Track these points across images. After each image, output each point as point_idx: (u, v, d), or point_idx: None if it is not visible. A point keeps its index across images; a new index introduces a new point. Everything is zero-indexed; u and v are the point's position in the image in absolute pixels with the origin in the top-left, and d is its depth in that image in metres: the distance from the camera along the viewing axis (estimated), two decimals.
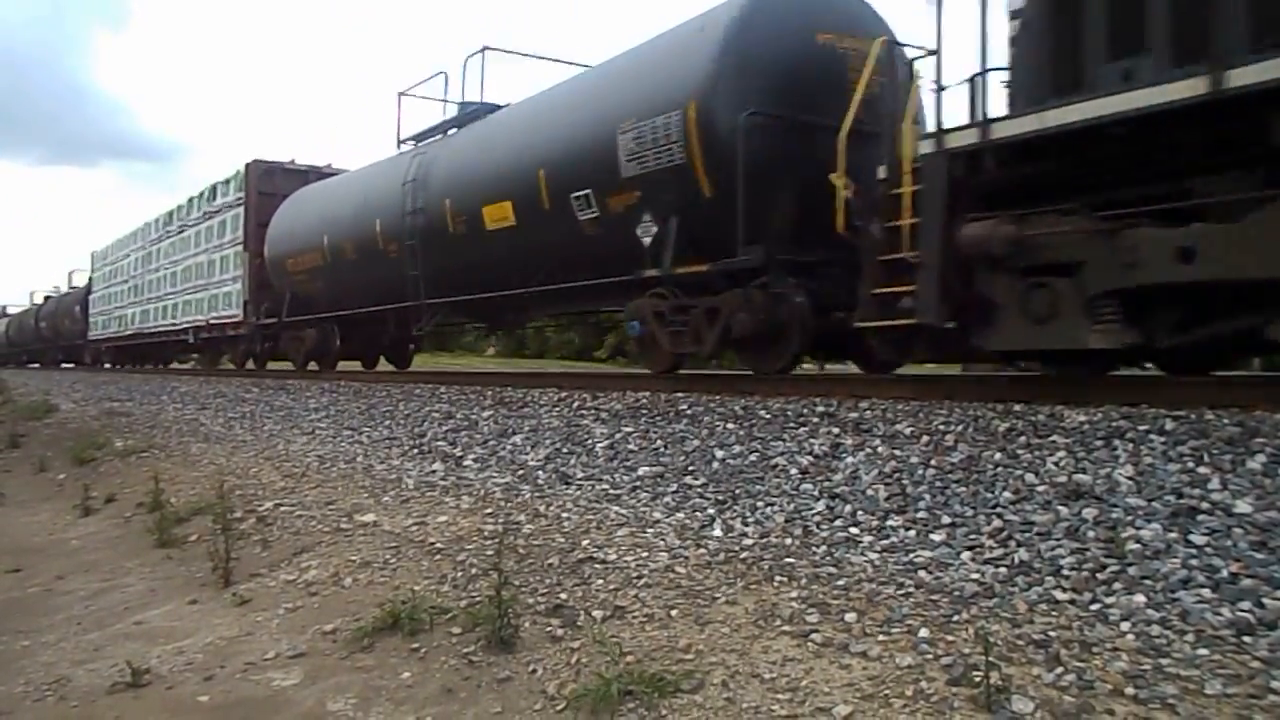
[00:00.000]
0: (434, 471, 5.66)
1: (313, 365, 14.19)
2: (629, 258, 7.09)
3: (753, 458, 4.49)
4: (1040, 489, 3.39)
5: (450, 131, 10.60)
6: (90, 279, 28.63)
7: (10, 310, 46.54)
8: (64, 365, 32.98)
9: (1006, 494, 3.44)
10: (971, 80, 4.83)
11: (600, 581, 3.37)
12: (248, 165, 15.37)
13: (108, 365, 26.70)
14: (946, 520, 3.39)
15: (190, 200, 18.51)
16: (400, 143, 11.46)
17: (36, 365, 37.74)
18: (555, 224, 7.85)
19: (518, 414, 6.70)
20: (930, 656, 2.50)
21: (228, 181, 16.28)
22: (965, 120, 4.81)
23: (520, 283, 8.66)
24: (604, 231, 7.41)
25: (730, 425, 5.11)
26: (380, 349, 14.54)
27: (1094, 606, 2.65)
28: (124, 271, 23.84)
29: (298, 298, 13.43)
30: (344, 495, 5.43)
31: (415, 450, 6.37)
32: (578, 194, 7.52)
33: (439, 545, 4.12)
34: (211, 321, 16.79)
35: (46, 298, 36.73)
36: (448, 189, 9.44)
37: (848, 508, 3.69)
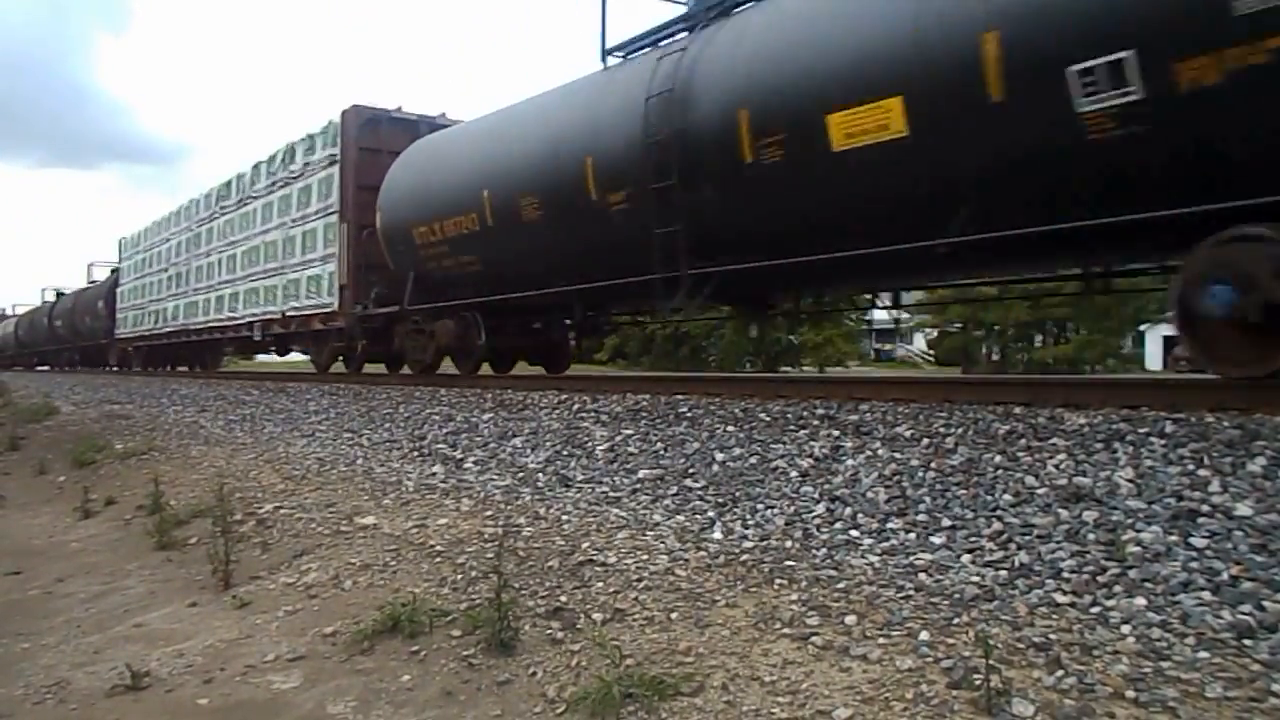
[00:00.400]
0: (434, 474, 5.66)
1: (371, 367, 12.29)
2: (1207, 171, 4.22)
3: (753, 460, 4.49)
4: (1040, 492, 3.39)
5: (681, 32, 7.22)
6: (117, 269, 25.31)
7: (13, 311, 43.67)
8: (79, 368, 29.91)
9: (1007, 497, 3.44)
10: None
11: (600, 584, 3.37)
12: (344, 113, 11.82)
13: (138, 369, 23.48)
14: (946, 523, 3.39)
15: (256, 166, 14.80)
16: (606, 54, 7.90)
17: (46, 368, 34.76)
18: (1011, 126, 4.76)
19: (518, 416, 6.71)
20: (930, 659, 2.50)
21: (314, 137, 12.60)
22: None
23: (915, 231, 5.17)
24: (1148, 126, 4.25)
25: (730, 428, 5.11)
26: (543, 345, 10.94)
27: (1094, 609, 2.65)
28: (162, 258, 20.17)
29: (428, 279, 9.92)
30: (344, 498, 5.43)
31: (415, 453, 6.37)
32: (1087, 65, 4.33)
33: (439, 548, 4.12)
34: (290, 313, 13.14)
35: (59, 294, 33.36)
36: (738, 95, 6.07)
37: (848, 510, 3.69)
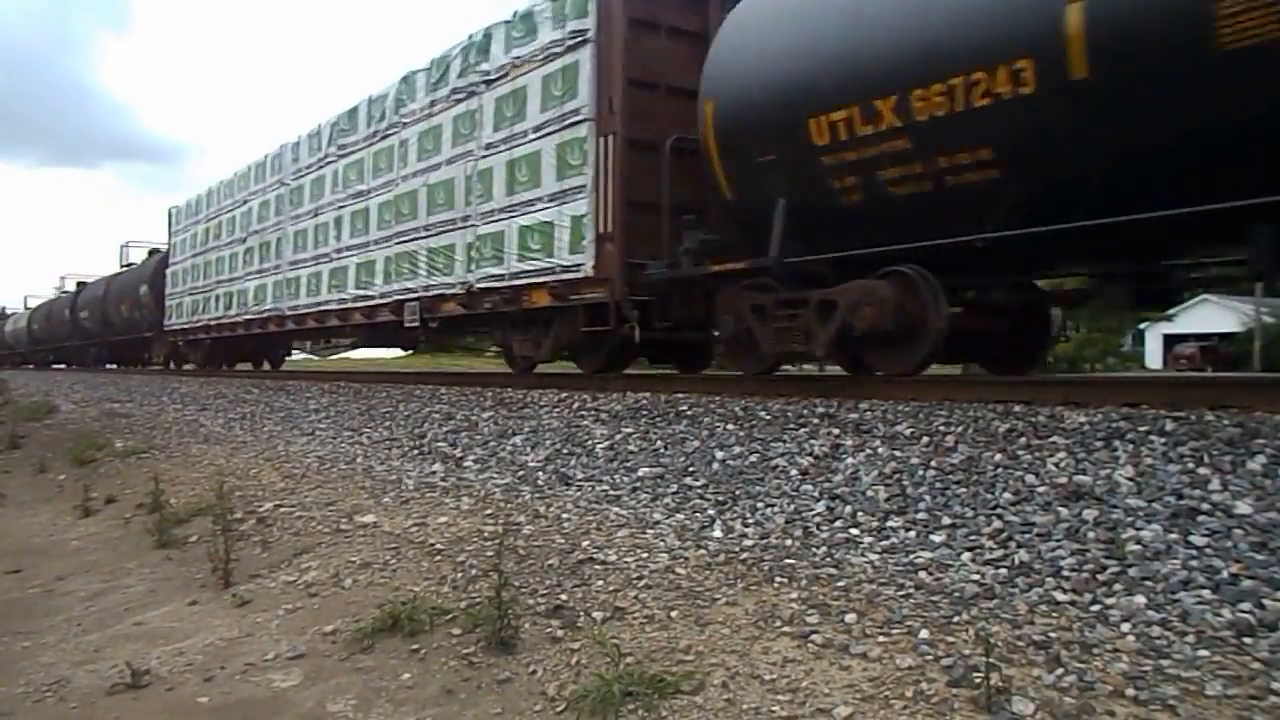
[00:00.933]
0: (434, 472, 5.67)
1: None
2: None
3: (753, 459, 4.49)
4: (1040, 490, 3.39)
5: None
6: (157, 250, 21.74)
7: (26, 307, 39.39)
8: (109, 366, 25.82)
9: (1007, 495, 3.44)
10: None
11: (600, 582, 3.37)
12: None
13: (190, 366, 19.41)
14: (947, 521, 3.39)
15: (408, 78, 10.29)
16: None
17: (63, 366, 30.40)
18: None
19: (518, 415, 6.71)
20: (930, 658, 2.50)
21: (532, 13, 8.15)
22: None
23: None
24: None
25: (730, 426, 5.11)
26: (1016, 326, 6.31)
27: (1094, 608, 2.65)
28: (236, 226, 15.87)
29: (828, 209, 5.80)
30: (344, 496, 5.43)
31: (415, 451, 6.38)
32: None
33: (439, 546, 4.12)
34: (484, 285, 8.72)
35: (80, 284, 29.09)
36: None
37: (848, 509, 3.69)
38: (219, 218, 16.95)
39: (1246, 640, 2.36)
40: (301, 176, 13.33)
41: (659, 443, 5.12)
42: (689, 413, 5.64)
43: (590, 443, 5.46)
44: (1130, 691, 2.21)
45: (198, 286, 17.85)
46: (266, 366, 19.45)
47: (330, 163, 12.34)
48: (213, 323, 17.01)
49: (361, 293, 11.31)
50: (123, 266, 26.33)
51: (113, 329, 24.10)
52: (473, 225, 8.94)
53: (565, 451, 5.44)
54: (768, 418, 5.13)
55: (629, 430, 5.51)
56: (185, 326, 18.66)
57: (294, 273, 13.41)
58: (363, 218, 11.30)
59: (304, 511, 5.24)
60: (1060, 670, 2.33)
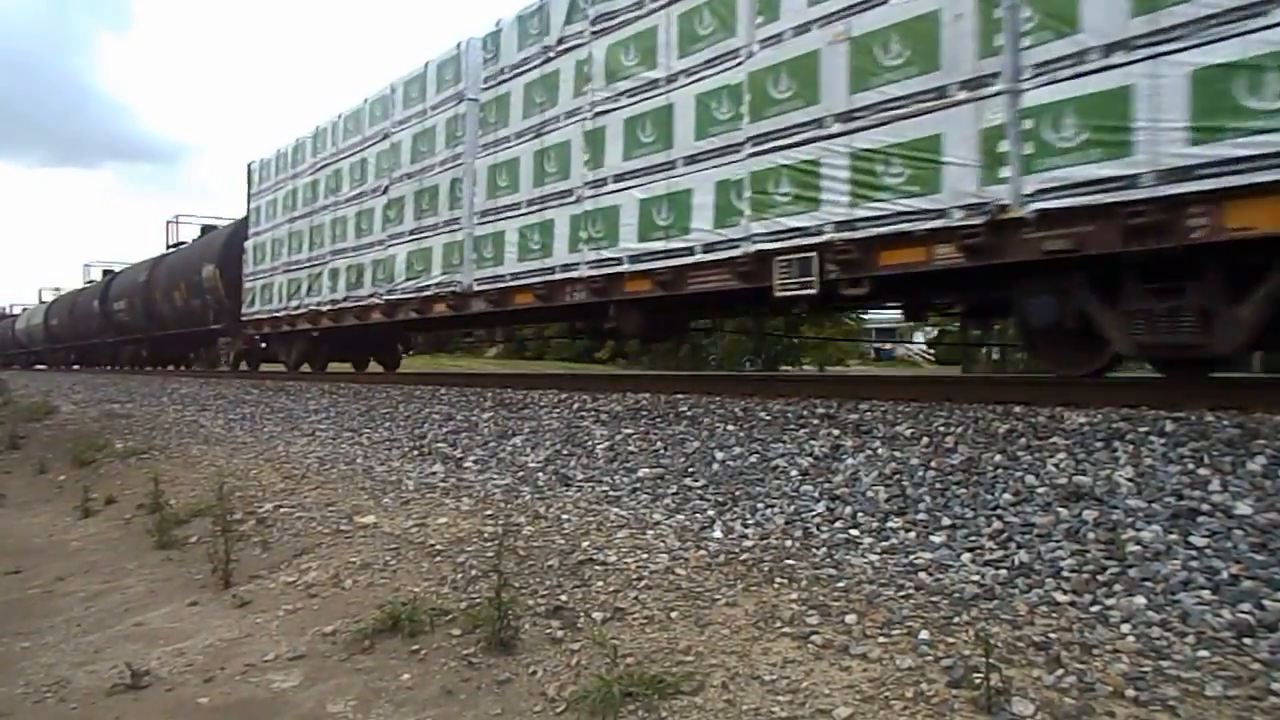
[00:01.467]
0: (434, 473, 5.67)
1: None
2: None
3: (753, 459, 4.49)
4: (1040, 490, 3.39)
5: None
6: (211, 227, 18.10)
7: (44, 300, 34.61)
8: (127, 370, 21.43)
9: (1007, 495, 3.44)
10: None
11: (600, 583, 3.37)
12: None
13: (286, 362, 14.88)
14: (947, 522, 3.40)
15: None
16: None
17: (79, 367, 26.62)
18: None
19: (518, 415, 6.71)
20: (930, 658, 2.50)
21: None
22: None
23: None
24: None
25: (730, 427, 5.11)
26: None
27: (1094, 608, 2.65)
28: (371, 171, 11.20)
29: None
30: (344, 497, 5.43)
31: (415, 452, 6.37)
32: None
33: (439, 547, 4.12)
34: (1043, 206, 4.45)
35: (109, 272, 24.62)
36: None
37: (848, 509, 3.69)
38: (336, 164, 12.13)
39: (1246, 641, 2.36)
40: (502, 82, 8.78)
41: (659, 443, 5.12)
42: (689, 413, 5.64)
43: (590, 443, 5.46)
44: (1130, 692, 2.21)
45: (298, 261, 13.08)
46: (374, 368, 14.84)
47: (568, 50, 7.86)
48: (325, 308, 12.17)
49: (654, 247, 6.82)
50: (169, 247, 21.50)
51: (159, 322, 19.07)
52: (1004, 92, 4.75)
53: (565, 452, 5.44)
54: (768, 418, 5.13)
55: (629, 431, 5.51)
56: (276, 315, 13.75)
57: (487, 228, 8.88)
58: (655, 125, 6.89)
59: (304, 512, 5.23)
60: (1060, 671, 2.33)
